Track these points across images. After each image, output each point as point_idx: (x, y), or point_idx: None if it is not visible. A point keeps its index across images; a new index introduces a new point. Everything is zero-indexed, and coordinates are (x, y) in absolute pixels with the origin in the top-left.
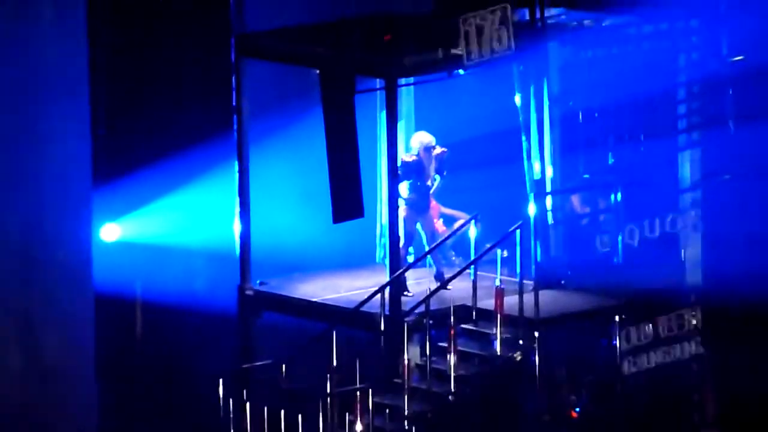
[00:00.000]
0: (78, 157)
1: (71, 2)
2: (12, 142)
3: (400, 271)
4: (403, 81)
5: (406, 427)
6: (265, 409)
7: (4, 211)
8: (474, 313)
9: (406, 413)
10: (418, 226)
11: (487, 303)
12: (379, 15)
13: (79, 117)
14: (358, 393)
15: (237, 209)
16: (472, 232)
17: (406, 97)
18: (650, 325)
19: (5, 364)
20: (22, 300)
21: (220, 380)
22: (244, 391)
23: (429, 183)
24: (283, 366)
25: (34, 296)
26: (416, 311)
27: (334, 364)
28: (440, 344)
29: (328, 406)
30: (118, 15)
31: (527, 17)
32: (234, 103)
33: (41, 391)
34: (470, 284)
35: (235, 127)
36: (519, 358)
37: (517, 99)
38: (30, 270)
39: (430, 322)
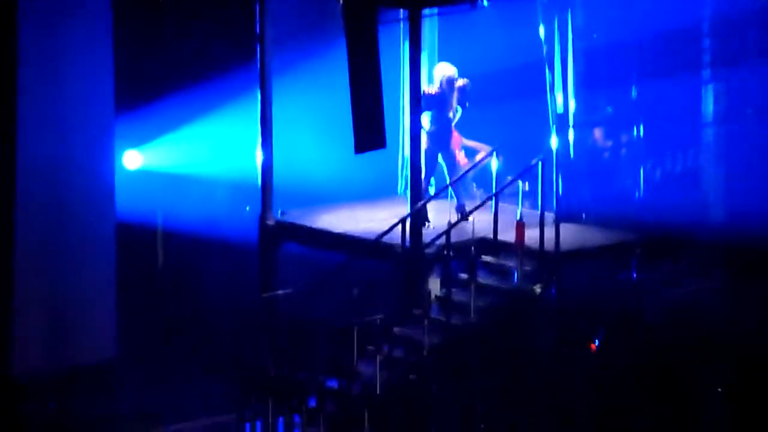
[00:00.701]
0: (100, 84)
1: None
2: (34, 71)
3: (421, 203)
4: (426, 11)
5: (425, 359)
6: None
7: (28, 139)
8: (494, 245)
9: (425, 344)
10: (440, 157)
11: (508, 236)
12: None
13: (102, 45)
14: (377, 323)
15: (259, 139)
16: (494, 164)
17: (430, 29)
18: (671, 259)
19: (27, 289)
20: (45, 227)
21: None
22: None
23: (451, 115)
24: (304, 296)
25: (56, 223)
26: (437, 243)
27: (355, 294)
28: (460, 276)
29: (348, 337)
30: None
31: None
32: (257, 32)
33: (64, 318)
34: (491, 217)
35: (258, 56)
36: (539, 290)
37: (541, 31)
38: (53, 197)
39: (451, 253)
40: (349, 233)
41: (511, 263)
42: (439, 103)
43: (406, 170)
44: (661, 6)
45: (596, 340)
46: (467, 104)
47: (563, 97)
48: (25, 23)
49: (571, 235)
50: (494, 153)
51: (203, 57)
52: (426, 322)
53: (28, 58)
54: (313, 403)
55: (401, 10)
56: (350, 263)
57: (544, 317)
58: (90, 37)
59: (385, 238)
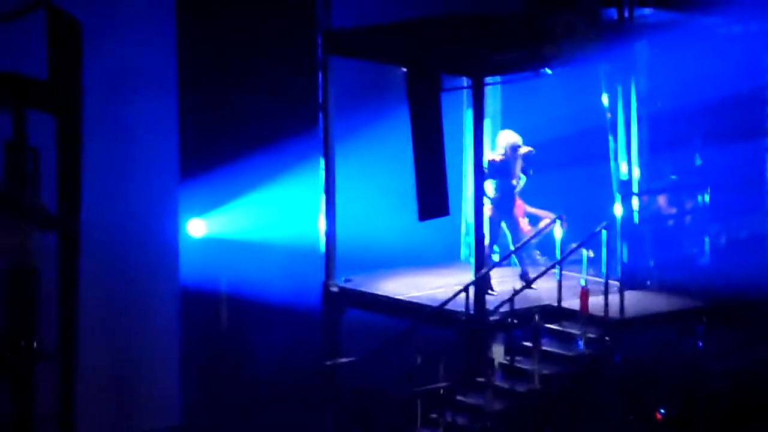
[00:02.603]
0: (165, 152)
1: (161, 1)
2: (101, 138)
3: (485, 269)
4: (489, 80)
5: (489, 426)
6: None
7: (94, 206)
8: (558, 312)
9: (489, 412)
10: (504, 225)
11: (572, 303)
12: (467, 13)
13: (167, 113)
14: (441, 391)
15: (322, 206)
16: (558, 231)
17: (493, 96)
18: (736, 327)
19: (94, 357)
20: (111, 295)
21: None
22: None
23: (514, 182)
24: (366, 364)
25: (122, 291)
26: (500, 310)
27: (418, 362)
28: (524, 343)
29: (412, 405)
30: (206, 12)
31: (616, 16)
32: (320, 100)
33: (128, 384)
34: (555, 284)
35: (321, 123)
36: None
37: (604, 98)
38: (118, 265)
39: (515, 321)
40: (412, 300)
41: (575, 330)
42: (502, 170)
43: (469, 237)
44: (725, 72)
45: (662, 409)
46: (531, 172)
47: (627, 164)
48: (92, 92)
49: (635, 302)
50: (558, 220)
51: (267, 124)
52: (489, 390)
53: (93, 125)
54: None
55: (464, 78)
56: (414, 330)
57: (610, 384)
58: (156, 106)
59: (449, 305)
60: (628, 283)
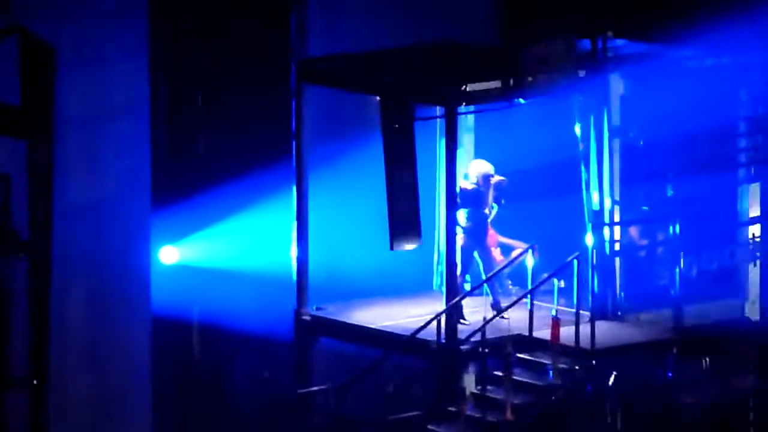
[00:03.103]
0: (138, 179)
1: (133, 26)
2: (73, 165)
3: (457, 299)
4: (462, 109)
5: None
6: None
7: (65, 233)
8: (530, 342)
9: None
10: (476, 254)
11: (544, 333)
12: (441, 42)
13: (140, 140)
14: (413, 420)
15: (295, 234)
16: (530, 261)
17: (466, 125)
18: (707, 358)
19: (66, 384)
20: (82, 322)
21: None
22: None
23: (487, 211)
24: (339, 392)
25: (93, 318)
26: (472, 339)
27: (390, 391)
28: (496, 373)
29: None
30: (179, 39)
31: (589, 48)
32: (293, 128)
33: (100, 411)
34: (527, 314)
35: (294, 152)
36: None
37: (577, 129)
38: (90, 291)
39: (486, 350)
40: (384, 329)
41: (546, 360)
42: (475, 199)
43: (442, 266)
44: (698, 106)
45: None
46: (503, 201)
47: (599, 195)
48: (64, 118)
49: (606, 332)
50: (530, 250)
51: (240, 152)
52: (461, 419)
53: (66, 154)
54: None
55: (438, 107)
56: (386, 359)
57: (581, 415)
58: (128, 132)
59: (421, 334)
60: (599, 313)
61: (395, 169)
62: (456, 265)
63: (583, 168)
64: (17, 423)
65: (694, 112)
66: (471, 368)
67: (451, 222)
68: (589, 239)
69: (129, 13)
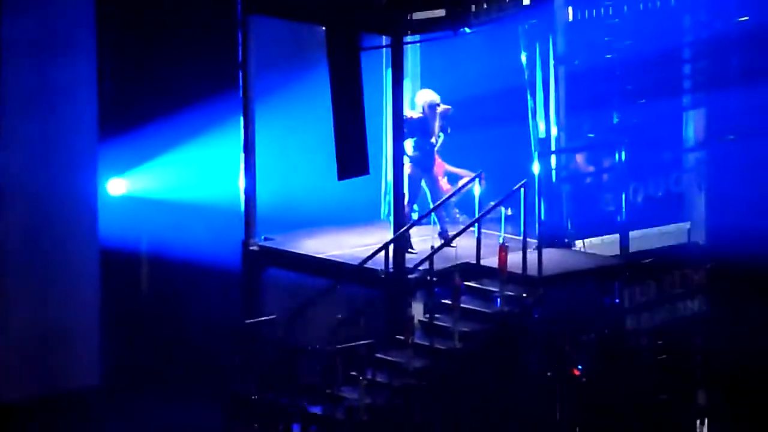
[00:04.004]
0: (84, 112)
1: None
2: (19, 98)
3: (405, 228)
4: (408, 38)
5: (409, 383)
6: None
7: (11, 165)
8: (478, 270)
9: (408, 369)
10: (423, 183)
11: (491, 261)
12: None
13: (86, 72)
14: (361, 349)
15: (242, 165)
16: (477, 189)
17: (412, 55)
18: (654, 283)
19: (13, 316)
20: (29, 253)
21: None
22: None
23: (433, 141)
24: (287, 322)
25: (40, 250)
26: (420, 268)
27: (339, 320)
28: (444, 301)
29: (332, 362)
30: None
31: None
32: (240, 59)
33: (48, 344)
34: (474, 242)
35: (241, 83)
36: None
37: (523, 57)
38: (37, 223)
39: (434, 279)
40: (332, 258)
41: (494, 288)
42: (421, 128)
43: (390, 195)
44: (642, 32)
45: (580, 365)
46: (449, 130)
47: (545, 123)
48: (8, 53)
49: (554, 259)
50: (477, 178)
51: (187, 84)
52: (409, 348)
53: (11, 87)
54: (297, 429)
55: (384, 37)
56: (334, 288)
57: (528, 342)
58: (74, 66)
59: (369, 264)
60: (547, 240)
61: (342, 99)
62: (404, 194)
63: (529, 96)
64: None
65: (639, 39)
66: (419, 297)
67: (399, 152)
68: (536, 167)
69: None
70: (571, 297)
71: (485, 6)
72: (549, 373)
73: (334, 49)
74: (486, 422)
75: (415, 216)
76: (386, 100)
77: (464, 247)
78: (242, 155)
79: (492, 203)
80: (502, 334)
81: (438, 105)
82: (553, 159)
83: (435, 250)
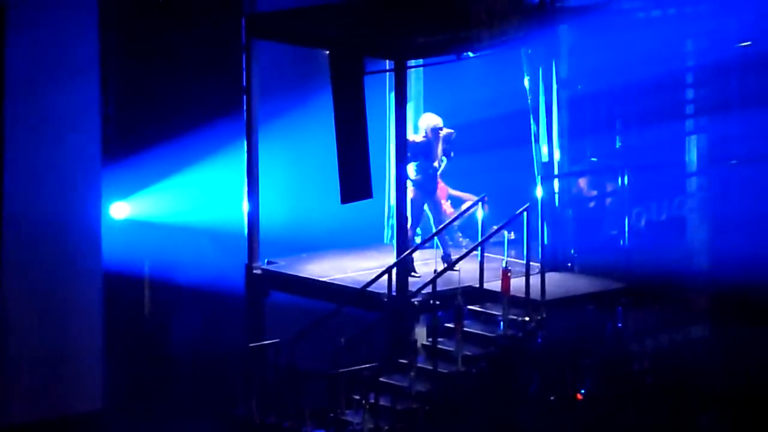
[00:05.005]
0: (88, 135)
1: None
2: (22, 122)
3: (408, 251)
4: (412, 63)
5: (412, 407)
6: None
7: (15, 189)
8: (481, 294)
9: (412, 393)
10: (426, 207)
11: (494, 284)
12: None
13: (89, 96)
14: (364, 372)
15: (246, 189)
16: (480, 213)
17: (415, 79)
18: (656, 308)
19: (17, 340)
20: (32, 278)
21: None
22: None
23: (436, 164)
24: (290, 346)
25: (43, 274)
26: (423, 292)
27: (342, 344)
28: (447, 325)
29: (335, 386)
30: None
31: (537, 0)
32: (244, 83)
33: (50, 368)
34: (477, 266)
35: (245, 107)
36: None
37: (526, 82)
38: (39, 248)
39: (437, 302)
40: (335, 282)
41: (497, 312)
42: (424, 152)
43: (393, 219)
44: (645, 57)
45: (582, 389)
46: (452, 154)
47: (548, 147)
48: (12, 78)
49: (557, 283)
50: (480, 202)
51: (190, 108)
52: (412, 371)
53: (16, 111)
54: None
55: (387, 61)
56: (337, 312)
57: (531, 365)
58: (78, 88)
59: (372, 287)
60: (549, 264)
61: (345, 123)
62: (406, 218)
63: (532, 120)
64: None
65: (641, 63)
66: (422, 320)
67: (402, 175)
68: (539, 191)
69: None
70: (574, 321)
71: (489, 30)
72: (552, 397)
73: (337, 72)
74: None
75: (418, 240)
76: (389, 123)
77: (467, 271)
78: (246, 179)
79: (495, 227)
80: (505, 357)
81: (441, 129)
82: (556, 183)
83: (438, 274)
